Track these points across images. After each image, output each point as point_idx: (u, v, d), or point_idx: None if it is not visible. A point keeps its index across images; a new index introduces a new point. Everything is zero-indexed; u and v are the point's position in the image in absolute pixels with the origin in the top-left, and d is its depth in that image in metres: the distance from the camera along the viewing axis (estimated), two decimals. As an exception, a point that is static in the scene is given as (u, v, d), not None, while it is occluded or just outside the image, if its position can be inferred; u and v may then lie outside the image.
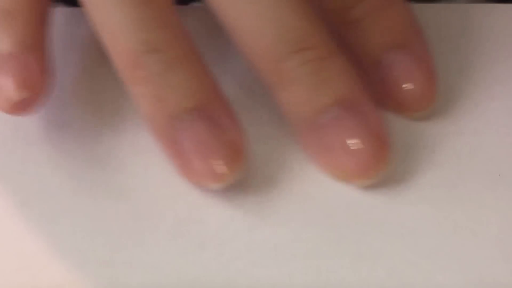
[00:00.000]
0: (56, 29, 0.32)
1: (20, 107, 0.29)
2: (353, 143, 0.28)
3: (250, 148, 0.28)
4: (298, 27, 0.28)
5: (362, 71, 0.30)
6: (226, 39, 0.29)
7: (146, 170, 0.30)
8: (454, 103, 0.31)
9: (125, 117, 0.31)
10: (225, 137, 0.28)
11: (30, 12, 0.30)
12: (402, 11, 0.30)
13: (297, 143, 0.30)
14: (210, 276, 0.27)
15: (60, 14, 0.33)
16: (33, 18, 0.30)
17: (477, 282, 0.27)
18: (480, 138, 0.30)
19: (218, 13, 0.29)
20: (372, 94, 0.29)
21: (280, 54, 0.28)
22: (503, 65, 0.32)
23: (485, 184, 0.29)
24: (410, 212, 0.28)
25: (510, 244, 0.27)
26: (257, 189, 0.29)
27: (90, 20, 0.29)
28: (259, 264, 0.27)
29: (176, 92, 0.28)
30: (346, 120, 0.28)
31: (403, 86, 0.30)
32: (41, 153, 0.30)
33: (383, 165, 0.28)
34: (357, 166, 0.28)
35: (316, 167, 0.29)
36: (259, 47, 0.28)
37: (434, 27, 0.33)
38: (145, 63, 0.28)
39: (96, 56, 0.33)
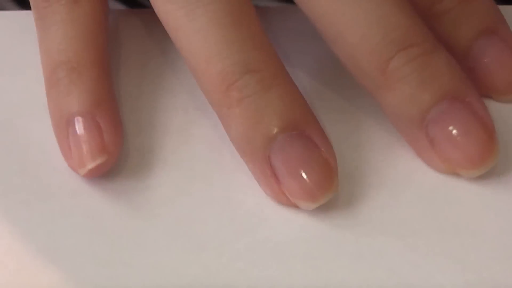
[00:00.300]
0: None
1: (96, 171, 0.29)
2: (462, 135, 0.28)
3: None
4: (402, 25, 0.28)
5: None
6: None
7: (146, 170, 0.30)
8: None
9: (125, 117, 0.31)
10: (321, 156, 0.28)
11: (97, 67, 0.30)
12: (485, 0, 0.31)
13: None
14: (210, 277, 0.27)
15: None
16: (101, 73, 0.30)
17: (477, 282, 0.27)
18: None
19: (314, 18, 0.29)
20: None
21: (387, 54, 0.28)
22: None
23: (485, 184, 0.29)
24: (410, 212, 0.28)
25: (510, 244, 0.27)
26: (257, 189, 0.29)
27: (178, 44, 0.29)
28: (259, 264, 0.27)
29: (273, 112, 0.28)
30: (454, 113, 0.28)
31: (495, 71, 0.30)
32: (41, 153, 0.30)
33: (493, 155, 0.28)
34: (467, 158, 0.28)
35: (424, 162, 0.29)
36: (365, 49, 0.28)
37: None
38: (242, 84, 0.28)
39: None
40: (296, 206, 0.28)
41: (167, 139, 0.31)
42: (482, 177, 0.29)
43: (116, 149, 0.29)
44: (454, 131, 0.28)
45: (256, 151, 0.28)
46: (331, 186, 0.27)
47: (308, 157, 0.27)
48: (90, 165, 0.28)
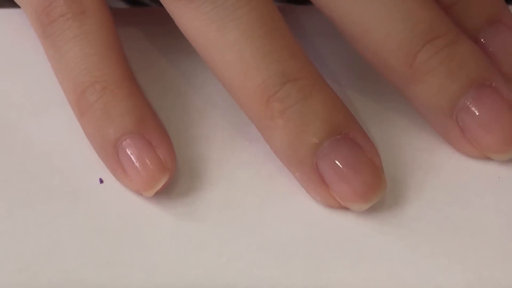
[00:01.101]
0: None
1: (162, 189, 0.28)
2: (493, 119, 0.28)
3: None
4: (426, 18, 0.28)
5: None
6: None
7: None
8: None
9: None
10: (366, 157, 0.28)
11: (127, 82, 0.29)
12: None
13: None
14: (210, 276, 0.27)
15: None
16: (133, 87, 0.29)
17: (477, 282, 0.27)
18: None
19: (336, 19, 0.29)
20: None
21: (414, 48, 0.28)
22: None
23: (485, 185, 0.29)
24: (410, 212, 0.28)
25: (510, 244, 0.27)
26: (257, 189, 0.29)
27: (210, 61, 0.28)
28: (259, 264, 0.27)
29: (317, 119, 0.28)
30: (483, 99, 0.28)
31: (503, 59, 0.30)
32: (41, 153, 0.30)
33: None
34: (500, 141, 0.28)
35: (457, 151, 0.29)
36: (391, 45, 0.28)
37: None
38: (283, 95, 0.27)
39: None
40: (347, 209, 0.28)
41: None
42: (482, 177, 0.29)
43: (173, 163, 0.28)
44: (484, 116, 0.28)
45: (303, 160, 0.28)
46: (380, 185, 0.28)
47: (355, 159, 0.27)
48: (156, 187, 0.28)
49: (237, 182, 0.29)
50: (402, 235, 0.28)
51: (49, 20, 0.29)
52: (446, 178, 0.29)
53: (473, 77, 0.28)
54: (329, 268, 0.27)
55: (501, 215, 0.28)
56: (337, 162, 0.27)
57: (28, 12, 0.31)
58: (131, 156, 0.28)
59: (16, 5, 0.32)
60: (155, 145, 0.28)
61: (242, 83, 0.28)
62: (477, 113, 0.28)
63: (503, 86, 0.29)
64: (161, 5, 0.29)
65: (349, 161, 0.27)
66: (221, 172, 0.29)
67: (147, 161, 0.28)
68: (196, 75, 0.32)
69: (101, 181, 0.29)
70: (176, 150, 0.30)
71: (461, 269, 0.27)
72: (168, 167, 0.28)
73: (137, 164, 0.28)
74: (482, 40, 0.30)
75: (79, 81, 0.29)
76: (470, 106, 0.28)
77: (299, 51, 0.28)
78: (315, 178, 0.28)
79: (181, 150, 0.30)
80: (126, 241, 0.28)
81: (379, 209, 0.28)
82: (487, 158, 0.29)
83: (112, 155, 0.28)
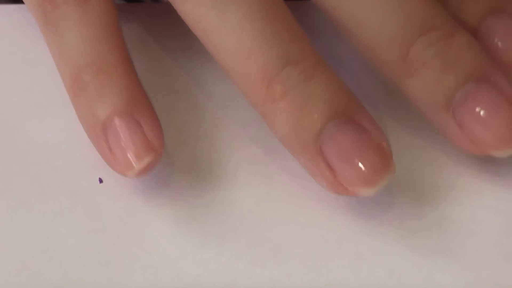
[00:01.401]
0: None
1: (144, 171, 0.28)
2: (491, 115, 0.27)
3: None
4: (420, 10, 0.28)
5: None
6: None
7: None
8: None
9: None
10: (373, 140, 0.27)
11: (124, 65, 0.29)
12: None
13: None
14: (210, 276, 0.27)
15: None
16: (129, 70, 0.29)
17: (477, 282, 0.27)
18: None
19: (329, 11, 0.28)
20: None
21: (408, 41, 0.27)
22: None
23: (485, 185, 0.29)
24: (410, 212, 0.28)
25: (510, 244, 0.27)
26: (257, 189, 0.29)
27: (211, 47, 0.28)
28: (259, 264, 0.27)
29: (319, 101, 0.27)
30: (480, 94, 0.27)
31: (507, 49, 0.29)
32: (41, 153, 0.30)
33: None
34: (498, 138, 0.27)
35: (455, 146, 0.28)
36: (385, 38, 0.28)
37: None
38: (284, 77, 0.27)
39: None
40: (354, 195, 0.27)
41: (166, 139, 0.31)
42: (482, 177, 0.29)
43: (161, 145, 0.28)
44: (482, 112, 0.27)
45: (307, 144, 0.27)
46: (387, 169, 0.27)
47: (360, 142, 0.27)
48: (139, 166, 0.27)
49: (237, 182, 0.29)
50: (402, 235, 0.28)
51: (52, 6, 0.30)
52: (446, 178, 0.29)
53: (470, 70, 0.27)
54: (329, 268, 0.27)
55: (501, 215, 0.28)
56: (342, 145, 0.27)
57: (30, 1, 0.31)
58: (119, 135, 0.28)
59: (14, 1, 0.32)
60: (144, 126, 0.28)
61: (242, 67, 0.27)
62: (474, 108, 0.27)
63: (501, 80, 0.28)
64: (156, 0, 0.29)
65: (355, 143, 0.27)
66: (221, 172, 0.29)
67: (134, 139, 0.28)
68: (196, 74, 0.32)
69: (101, 181, 0.29)
70: (176, 150, 0.30)
71: (461, 269, 0.27)
72: (155, 148, 0.28)
73: (123, 143, 0.28)
74: (484, 30, 0.30)
75: (75, 63, 0.29)
76: (466, 100, 0.27)
77: (300, 33, 0.28)
78: (320, 163, 0.27)
79: (181, 150, 0.30)
80: (126, 241, 0.28)
81: (379, 209, 0.28)
82: (487, 156, 0.29)
83: (101, 135, 0.28)
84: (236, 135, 0.30)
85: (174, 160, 0.30)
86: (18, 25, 0.34)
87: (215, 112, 0.31)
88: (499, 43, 0.29)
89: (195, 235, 0.28)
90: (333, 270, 0.27)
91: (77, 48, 0.29)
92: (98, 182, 0.29)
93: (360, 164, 0.26)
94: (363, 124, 0.27)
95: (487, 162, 0.29)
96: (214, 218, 0.28)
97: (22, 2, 0.31)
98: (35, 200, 0.29)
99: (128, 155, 0.28)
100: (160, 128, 0.28)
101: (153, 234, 0.28)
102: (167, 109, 0.31)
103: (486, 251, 0.27)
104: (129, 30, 0.34)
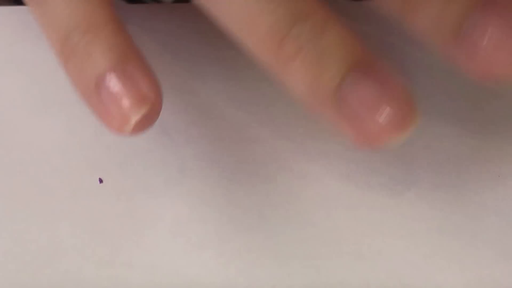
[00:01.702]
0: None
1: (142, 126, 0.27)
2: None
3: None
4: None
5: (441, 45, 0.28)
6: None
7: (146, 170, 0.30)
8: (454, 103, 0.31)
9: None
10: (396, 87, 0.26)
11: (111, 23, 0.28)
12: None
13: (296, 143, 0.30)
14: (210, 276, 0.27)
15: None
16: (117, 27, 0.28)
17: (477, 282, 0.27)
18: (480, 138, 0.30)
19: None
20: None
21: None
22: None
23: (485, 185, 0.29)
24: (410, 212, 0.28)
25: (510, 244, 0.27)
26: (257, 189, 0.29)
27: (217, 14, 0.27)
28: (259, 264, 0.27)
29: (334, 54, 0.26)
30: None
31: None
32: (41, 153, 0.30)
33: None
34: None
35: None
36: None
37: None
38: (294, 34, 0.26)
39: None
40: (382, 144, 0.26)
41: (166, 139, 0.31)
42: (482, 177, 0.29)
43: (157, 97, 0.27)
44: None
45: (327, 99, 0.26)
46: (414, 113, 0.26)
47: (384, 90, 0.26)
48: (135, 117, 0.27)
49: (237, 182, 0.29)
50: (402, 235, 0.28)
51: None
52: (446, 178, 0.29)
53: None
54: (329, 268, 0.27)
55: (501, 215, 0.28)
56: (366, 95, 0.26)
57: None
58: (112, 91, 0.27)
59: (14, 3, 0.32)
60: (138, 79, 0.27)
61: (251, 30, 0.27)
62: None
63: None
64: (157, 1, 0.29)
65: (378, 92, 0.26)
66: (221, 172, 0.30)
67: (127, 92, 0.27)
68: (196, 74, 0.32)
69: (101, 181, 0.29)
70: (176, 150, 0.30)
71: (461, 269, 0.27)
72: (150, 99, 0.27)
73: (117, 96, 0.27)
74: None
75: (62, 26, 0.28)
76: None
77: None
78: (344, 117, 0.26)
79: (181, 150, 0.30)
80: (126, 241, 0.28)
81: (379, 209, 0.28)
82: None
83: (94, 94, 0.27)
84: (236, 135, 0.31)
85: (174, 160, 0.30)
86: (18, 26, 0.34)
87: (215, 112, 0.31)
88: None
89: (195, 235, 0.28)
90: (333, 270, 0.27)
91: (63, 12, 0.29)
92: (98, 182, 0.29)
93: (388, 110, 0.26)
94: (383, 74, 0.26)
95: (487, 162, 0.29)
96: (214, 218, 0.28)
97: (23, 4, 0.31)
98: (35, 200, 0.29)
99: (123, 108, 0.27)
100: (155, 80, 0.28)
101: (153, 234, 0.28)
102: (167, 109, 0.31)
103: (486, 251, 0.27)
104: (129, 30, 0.34)
